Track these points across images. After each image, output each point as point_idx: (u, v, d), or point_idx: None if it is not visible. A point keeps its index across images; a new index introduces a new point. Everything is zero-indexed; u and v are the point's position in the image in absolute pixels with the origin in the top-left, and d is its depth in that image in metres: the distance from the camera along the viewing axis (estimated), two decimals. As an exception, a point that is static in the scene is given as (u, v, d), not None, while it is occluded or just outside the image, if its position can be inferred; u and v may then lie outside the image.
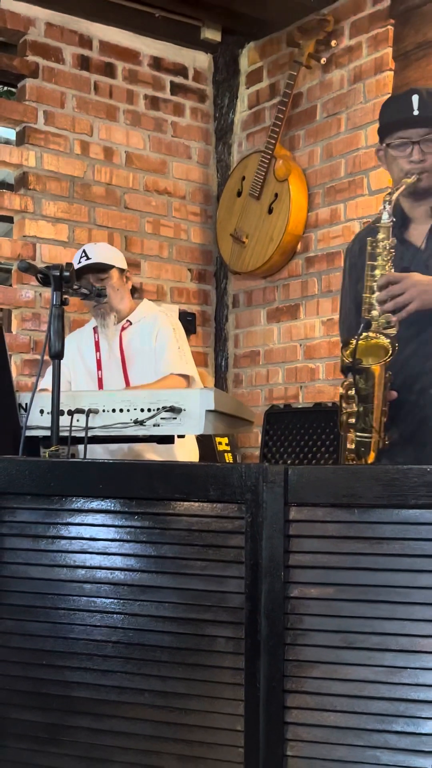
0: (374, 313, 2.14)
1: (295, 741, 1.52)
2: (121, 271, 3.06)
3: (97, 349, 3.07)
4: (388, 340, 2.11)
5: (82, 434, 2.05)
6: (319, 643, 1.51)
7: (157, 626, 1.62)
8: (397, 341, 2.13)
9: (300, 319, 4.18)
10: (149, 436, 2.07)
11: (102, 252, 3.06)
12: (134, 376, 2.96)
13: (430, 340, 2.21)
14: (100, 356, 3.05)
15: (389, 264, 2.15)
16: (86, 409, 2.04)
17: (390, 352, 2.09)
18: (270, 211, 4.12)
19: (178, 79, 4.45)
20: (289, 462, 3.96)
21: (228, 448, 4.21)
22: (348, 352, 2.10)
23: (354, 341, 2.08)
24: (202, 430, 2.05)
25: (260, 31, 4.38)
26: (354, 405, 2.12)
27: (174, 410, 2.00)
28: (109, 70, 4.23)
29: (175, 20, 4.31)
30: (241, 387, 4.48)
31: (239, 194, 4.30)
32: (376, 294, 2.13)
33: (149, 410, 2.02)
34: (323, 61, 4.00)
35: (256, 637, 1.54)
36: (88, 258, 2.99)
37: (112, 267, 3.02)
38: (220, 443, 4.16)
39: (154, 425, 2.01)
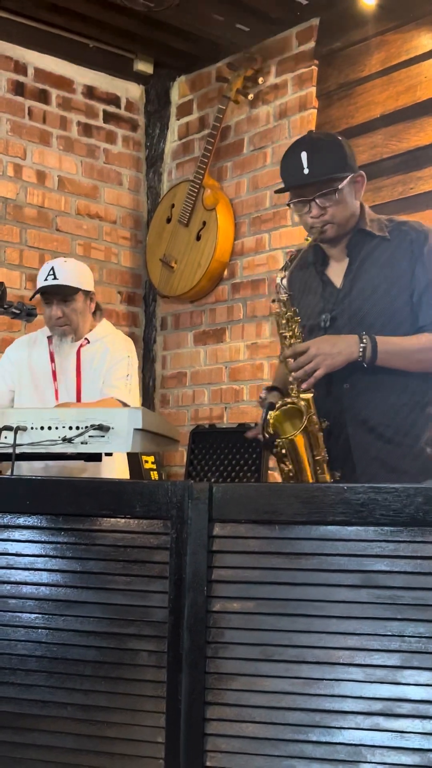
0: (291, 378, 2.22)
1: (214, 752, 1.53)
2: (87, 293, 2.89)
3: (52, 360, 2.94)
4: (304, 402, 2.19)
5: (10, 451, 2.04)
6: (239, 655, 1.53)
7: (81, 641, 1.62)
8: (312, 403, 2.20)
9: (225, 342, 4.25)
10: (77, 453, 2.07)
11: (70, 273, 2.85)
12: (86, 395, 2.88)
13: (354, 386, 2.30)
14: (55, 368, 2.92)
15: (297, 331, 2.24)
16: (14, 426, 2.03)
17: (305, 414, 2.18)
18: (198, 238, 4.20)
19: (111, 108, 4.51)
20: (213, 480, 3.99)
21: (154, 467, 4.22)
22: (267, 426, 2.17)
23: (269, 414, 2.18)
24: (130, 448, 2.05)
25: (191, 65, 4.48)
26: (288, 464, 2.21)
27: (102, 428, 2.00)
28: (43, 97, 4.25)
29: (109, 51, 4.38)
30: (168, 407, 4.51)
31: (168, 221, 4.36)
32: (289, 363, 2.21)
33: (77, 428, 2.02)
34: (250, 96, 4.12)
35: (178, 651, 1.55)
36: (55, 278, 2.80)
37: (77, 291, 2.84)
38: (146, 461, 4.17)
39: (82, 443, 2.00)
